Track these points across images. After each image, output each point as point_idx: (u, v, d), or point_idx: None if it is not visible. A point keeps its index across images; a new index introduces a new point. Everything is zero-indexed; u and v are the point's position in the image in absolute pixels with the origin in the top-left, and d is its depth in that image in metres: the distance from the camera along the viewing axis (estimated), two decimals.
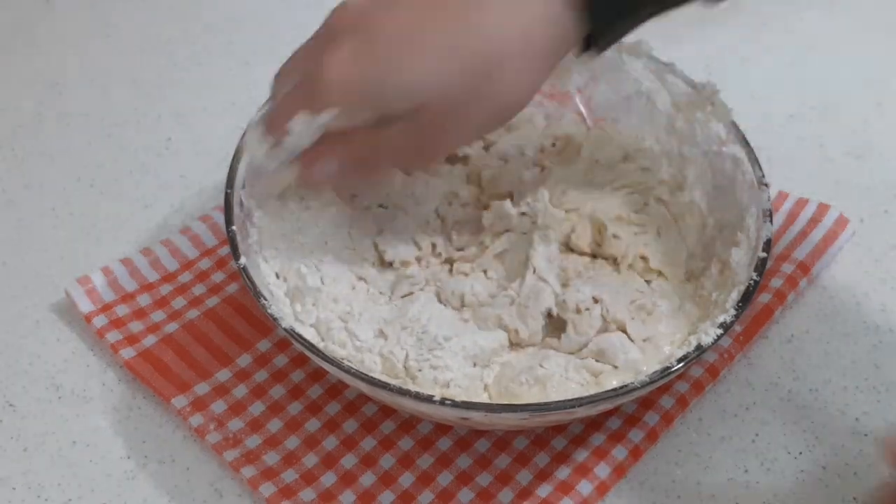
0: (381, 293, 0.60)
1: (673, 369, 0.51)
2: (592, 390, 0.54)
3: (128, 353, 0.61)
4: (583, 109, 0.68)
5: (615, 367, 0.55)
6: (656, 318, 0.58)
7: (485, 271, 0.60)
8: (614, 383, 0.53)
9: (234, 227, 0.56)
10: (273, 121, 0.55)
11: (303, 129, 0.54)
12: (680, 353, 0.52)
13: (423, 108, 0.51)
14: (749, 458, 0.58)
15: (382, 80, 0.51)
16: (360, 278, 0.60)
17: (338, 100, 0.52)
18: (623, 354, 0.55)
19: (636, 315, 0.58)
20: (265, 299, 0.53)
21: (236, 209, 0.57)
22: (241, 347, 0.62)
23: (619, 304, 0.58)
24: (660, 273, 0.61)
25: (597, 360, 0.56)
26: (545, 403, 0.51)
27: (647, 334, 0.57)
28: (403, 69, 0.51)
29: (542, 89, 0.67)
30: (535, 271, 0.58)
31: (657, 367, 0.53)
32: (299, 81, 0.54)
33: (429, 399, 0.49)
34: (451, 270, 0.61)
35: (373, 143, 0.54)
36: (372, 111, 0.52)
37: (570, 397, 0.52)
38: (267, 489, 0.55)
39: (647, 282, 0.60)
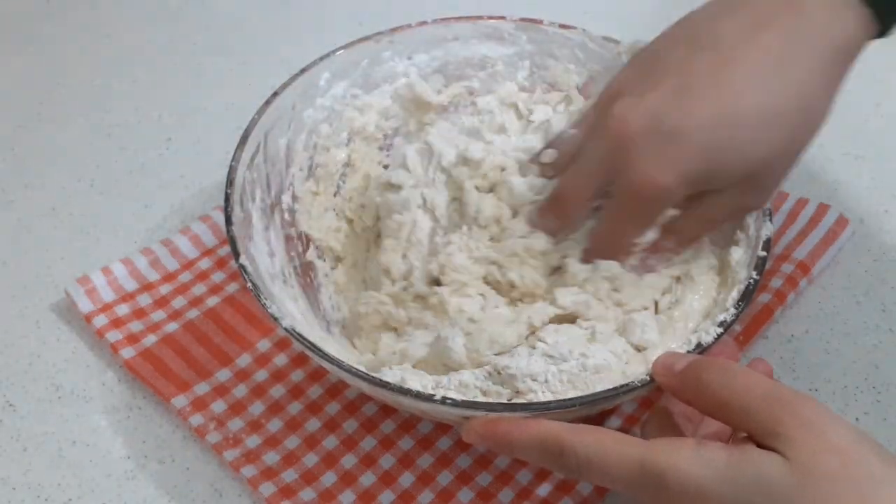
0: None
1: None
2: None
3: (128, 352, 0.61)
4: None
5: (629, 342, 0.55)
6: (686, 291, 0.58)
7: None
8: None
9: (233, 227, 0.56)
10: (610, 248, 0.56)
11: (650, 238, 0.56)
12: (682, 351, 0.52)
13: (751, 175, 0.53)
14: None
15: (710, 169, 0.52)
16: None
17: (674, 200, 0.53)
18: (641, 333, 0.55)
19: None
20: (266, 298, 0.53)
21: (236, 209, 0.57)
22: (241, 347, 0.62)
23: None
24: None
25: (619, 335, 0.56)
26: (545, 402, 0.51)
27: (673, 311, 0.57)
28: (727, 155, 0.52)
29: (543, 89, 0.68)
30: None
31: (673, 346, 0.53)
32: (617, 199, 0.54)
33: (429, 398, 0.49)
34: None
35: (701, 219, 0.56)
36: (701, 189, 0.54)
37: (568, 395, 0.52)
38: (267, 489, 0.55)
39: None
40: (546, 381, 0.52)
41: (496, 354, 0.55)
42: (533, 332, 0.56)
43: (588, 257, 0.57)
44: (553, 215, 0.57)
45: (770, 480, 0.41)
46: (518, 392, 0.52)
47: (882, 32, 0.54)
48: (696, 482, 0.42)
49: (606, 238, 0.56)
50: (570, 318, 0.57)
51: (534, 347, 0.54)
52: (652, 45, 0.57)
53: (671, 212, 0.55)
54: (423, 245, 0.60)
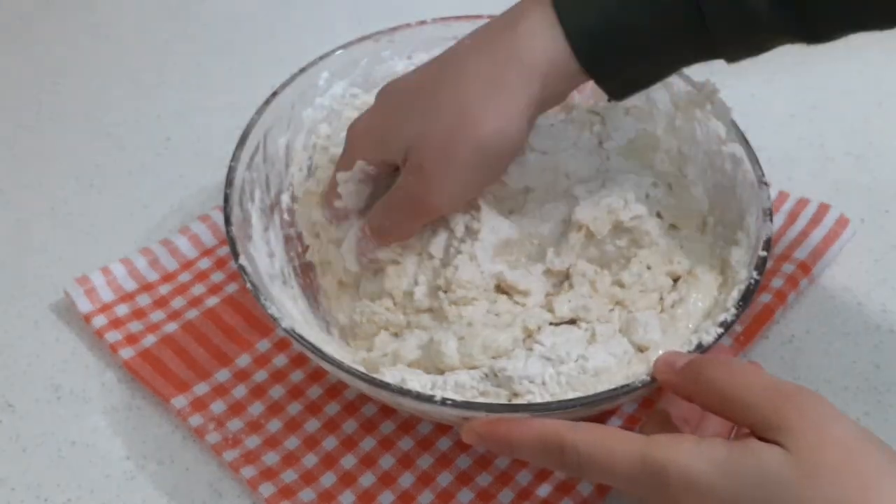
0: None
1: None
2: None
3: (127, 353, 0.61)
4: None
5: (631, 341, 0.55)
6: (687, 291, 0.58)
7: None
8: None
9: (233, 227, 0.56)
10: (326, 193, 0.62)
11: (344, 184, 0.61)
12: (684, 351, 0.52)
13: (409, 152, 0.55)
14: None
15: (385, 126, 0.58)
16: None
17: (360, 150, 0.60)
18: (643, 332, 0.55)
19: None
20: (265, 299, 0.53)
21: (235, 209, 0.57)
22: (241, 348, 0.62)
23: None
24: (672, 226, 0.61)
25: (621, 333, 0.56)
26: (545, 403, 0.51)
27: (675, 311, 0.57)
28: (398, 120, 0.57)
29: None
30: None
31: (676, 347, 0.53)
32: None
33: (429, 399, 0.49)
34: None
35: (382, 208, 0.58)
36: (382, 157, 0.59)
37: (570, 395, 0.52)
38: (266, 489, 0.55)
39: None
40: (543, 382, 0.52)
41: (492, 358, 0.55)
42: (530, 336, 0.56)
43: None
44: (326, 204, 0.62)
45: (772, 473, 0.41)
46: (516, 394, 0.52)
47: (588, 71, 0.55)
48: (698, 476, 0.42)
49: (327, 187, 0.62)
50: (570, 320, 0.57)
51: (531, 350, 0.54)
52: None
53: (361, 165, 0.59)
54: (435, 259, 0.60)
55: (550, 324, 0.57)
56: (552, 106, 0.58)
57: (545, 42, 0.53)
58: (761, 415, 0.43)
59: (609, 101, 0.62)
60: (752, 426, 0.44)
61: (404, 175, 0.56)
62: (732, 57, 0.54)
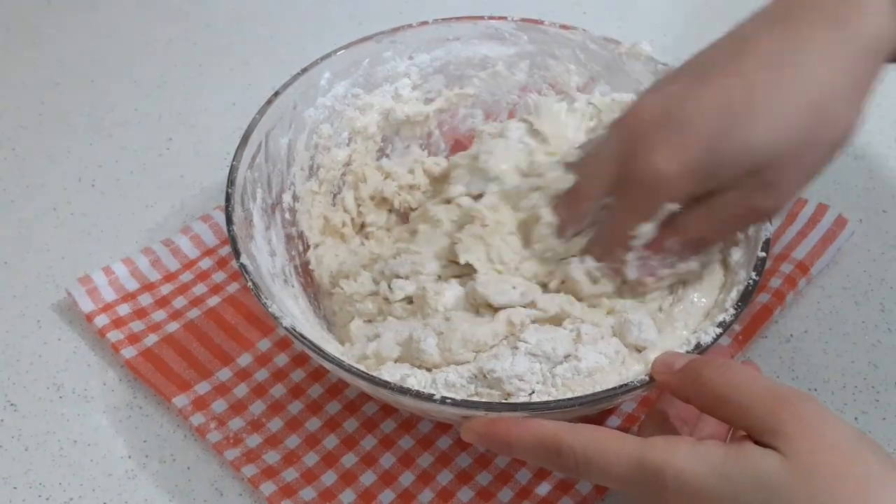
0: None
1: None
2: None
3: (129, 352, 0.61)
4: None
5: (627, 344, 0.56)
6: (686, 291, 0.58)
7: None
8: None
9: (234, 227, 0.56)
10: (608, 242, 0.55)
11: (647, 232, 0.53)
12: (682, 351, 0.52)
13: (758, 170, 0.50)
14: None
15: (714, 160, 0.50)
16: None
17: (676, 192, 0.51)
18: (638, 333, 0.55)
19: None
20: (266, 298, 0.53)
21: (237, 208, 0.57)
22: (242, 347, 0.62)
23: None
24: None
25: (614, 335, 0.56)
26: (545, 402, 0.51)
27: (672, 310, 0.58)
28: (732, 144, 0.50)
29: (542, 89, 0.68)
30: None
31: (671, 347, 0.53)
32: (618, 194, 0.53)
33: (429, 398, 0.49)
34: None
35: (708, 220, 0.53)
36: (701, 190, 0.52)
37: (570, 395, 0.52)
38: (267, 488, 0.55)
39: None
40: (539, 380, 0.53)
41: (474, 353, 0.55)
42: (513, 333, 0.56)
43: (589, 248, 0.56)
44: (564, 209, 0.56)
45: (767, 477, 0.41)
46: (508, 394, 0.53)
47: None
48: (694, 479, 0.42)
49: (606, 234, 0.55)
50: (555, 321, 0.57)
51: (516, 348, 0.54)
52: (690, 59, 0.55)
53: (672, 206, 0.52)
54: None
55: (533, 321, 0.57)
56: None
57: (881, 14, 0.50)
58: (757, 418, 0.43)
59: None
60: (747, 429, 0.44)
61: (744, 192, 0.51)
62: None
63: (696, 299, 0.58)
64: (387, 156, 0.69)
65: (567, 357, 0.54)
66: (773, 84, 0.50)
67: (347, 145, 0.67)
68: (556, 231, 0.56)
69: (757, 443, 0.43)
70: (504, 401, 0.52)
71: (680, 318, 0.57)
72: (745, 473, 0.42)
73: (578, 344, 0.55)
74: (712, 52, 0.53)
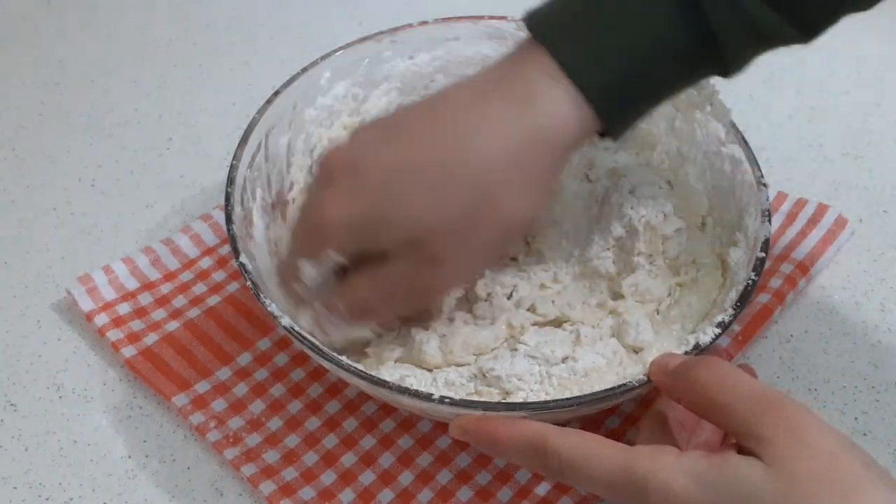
0: None
1: None
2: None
3: (129, 351, 0.61)
4: None
5: (623, 344, 0.56)
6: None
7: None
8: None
9: (234, 226, 0.56)
10: (283, 271, 0.57)
11: (309, 274, 0.53)
12: (680, 352, 0.52)
13: (418, 243, 0.51)
14: None
15: (376, 218, 0.51)
16: None
17: (334, 241, 0.52)
18: (636, 334, 0.56)
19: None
20: (265, 297, 0.53)
21: (237, 208, 0.57)
22: (242, 346, 0.62)
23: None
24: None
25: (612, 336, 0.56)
26: (544, 402, 0.51)
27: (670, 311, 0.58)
28: (394, 206, 0.51)
29: None
30: None
31: (669, 349, 0.53)
32: (304, 228, 0.55)
33: (428, 397, 0.50)
34: None
35: (372, 285, 0.53)
36: (367, 248, 0.52)
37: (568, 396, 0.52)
38: (267, 487, 0.55)
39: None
40: (538, 382, 0.53)
41: (475, 355, 0.55)
42: (513, 336, 0.56)
43: (279, 274, 0.56)
44: (282, 285, 0.56)
45: (749, 486, 0.41)
46: (507, 392, 0.53)
47: (603, 133, 0.53)
48: (676, 489, 0.42)
49: (282, 264, 0.56)
50: (555, 323, 0.57)
51: (515, 350, 0.54)
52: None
53: (335, 257, 0.52)
54: None
55: (533, 324, 0.57)
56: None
57: (564, 111, 0.50)
58: (742, 422, 0.43)
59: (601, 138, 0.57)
60: (733, 433, 0.44)
61: (410, 263, 0.52)
62: (733, 72, 0.53)
63: (693, 302, 0.58)
64: None
65: (565, 359, 0.54)
66: (440, 157, 0.50)
67: None
68: None
69: (742, 448, 0.43)
70: (503, 400, 0.53)
71: (677, 319, 0.57)
72: (727, 483, 0.42)
73: (577, 346, 0.55)
74: (416, 109, 0.54)
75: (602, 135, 0.53)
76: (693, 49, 0.51)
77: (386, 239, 0.51)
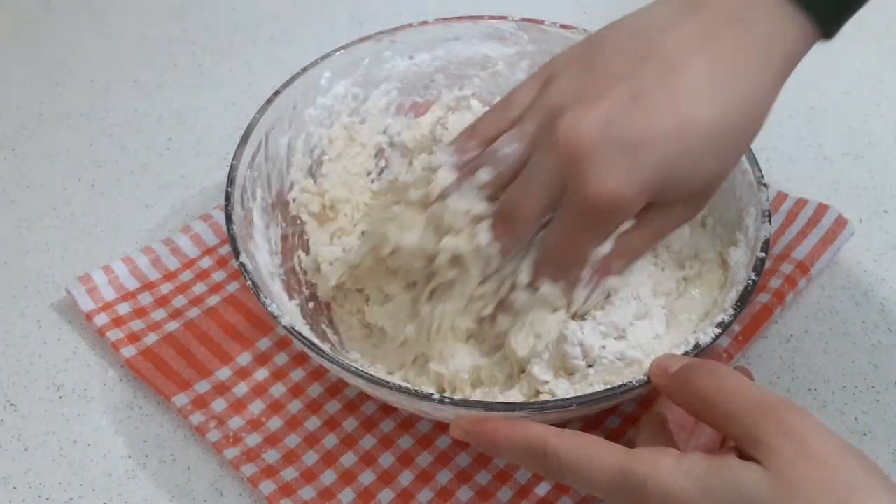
0: None
1: None
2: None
3: (129, 351, 0.61)
4: None
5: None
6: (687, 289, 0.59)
7: None
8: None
9: (234, 226, 0.56)
10: (559, 268, 0.54)
11: (599, 253, 0.53)
12: (680, 352, 0.52)
13: (704, 194, 0.54)
14: None
15: (673, 177, 0.51)
16: None
17: (632, 212, 0.52)
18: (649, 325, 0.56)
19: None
20: (265, 297, 0.53)
21: (237, 208, 0.57)
22: (242, 346, 0.62)
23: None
24: None
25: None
26: (543, 402, 0.51)
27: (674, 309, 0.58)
28: (688, 164, 0.51)
29: None
30: None
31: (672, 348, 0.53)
32: (571, 211, 0.52)
33: (428, 397, 0.50)
34: None
35: (647, 233, 0.54)
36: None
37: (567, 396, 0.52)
38: (267, 487, 0.55)
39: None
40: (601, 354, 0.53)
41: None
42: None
43: (540, 271, 0.53)
44: (503, 234, 0.53)
45: (747, 491, 0.41)
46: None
47: (825, 37, 0.52)
48: (676, 493, 0.42)
49: (561, 252, 0.53)
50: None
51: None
52: (591, 45, 0.54)
53: (626, 225, 0.52)
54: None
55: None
56: None
57: (795, 36, 0.51)
58: (741, 427, 0.43)
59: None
60: (733, 438, 0.44)
61: (681, 207, 0.53)
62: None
63: (697, 296, 0.58)
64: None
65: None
66: (714, 105, 0.50)
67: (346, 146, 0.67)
68: (497, 256, 0.54)
69: (742, 453, 0.43)
70: (502, 401, 0.53)
71: (684, 312, 0.57)
72: (727, 487, 0.41)
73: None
74: (622, 54, 0.51)
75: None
76: None
77: (674, 194, 0.52)
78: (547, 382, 0.54)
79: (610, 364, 0.53)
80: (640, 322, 0.55)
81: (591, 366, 0.53)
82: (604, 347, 0.53)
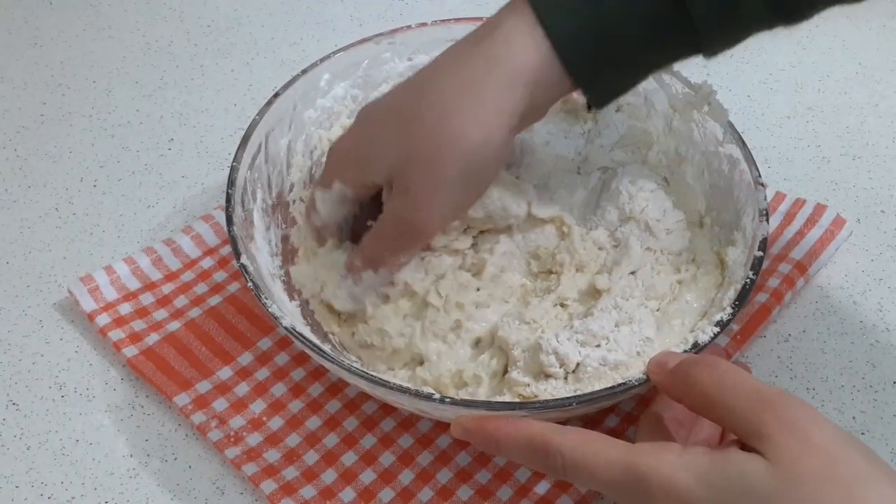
0: None
1: None
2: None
3: (130, 351, 0.61)
4: None
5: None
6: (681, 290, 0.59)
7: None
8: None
9: (234, 227, 0.57)
10: (305, 210, 0.62)
11: (321, 202, 0.59)
12: (678, 351, 0.52)
13: (395, 177, 0.55)
14: None
15: (362, 153, 0.57)
16: None
17: (339, 171, 0.58)
18: (639, 330, 0.56)
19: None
20: (266, 297, 0.53)
21: (237, 209, 0.58)
22: (243, 346, 0.62)
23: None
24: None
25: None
26: (543, 401, 0.51)
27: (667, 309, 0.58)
28: (372, 143, 0.56)
29: None
30: None
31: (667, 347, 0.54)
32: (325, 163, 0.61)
33: (428, 397, 0.50)
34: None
35: (371, 235, 0.58)
36: (363, 181, 0.58)
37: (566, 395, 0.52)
38: (268, 486, 0.55)
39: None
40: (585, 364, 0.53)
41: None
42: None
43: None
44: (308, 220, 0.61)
45: (751, 483, 0.41)
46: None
47: (588, 103, 0.56)
48: (680, 487, 0.42)
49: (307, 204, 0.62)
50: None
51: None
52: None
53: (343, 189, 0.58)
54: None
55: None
56: (535, 120, 0.57)
57: (526, 48, 0.52)
58: (743, 420, 0.43)
59: (589, 110, 0.62)
60: (735, 432, 0.44)
61: (392, 200, 0.56)
62: (713, 52, 0.54)
63: (691, 299, 0.58)
64: None
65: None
66: (411, 101, 0.55)
67: None
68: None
69: (744, 446, 0.43)
70: (501, 400, 0.53)
71: (677, 316, 0.58)
72: (730, 480, 0.42)
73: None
74: (420, 71, 0.57)
75: (588, 107, 0.57)
76: (665, 18, 0.52)
77: (373, 172, 0.56)
78: (528, 385, 0.54)
79: (595, 371, 0.53)
80: (624, 327, 0.55)
81: (568, 374, 0.54)
82: (588, 356, 0.53)
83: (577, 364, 0.54)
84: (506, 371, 0.56)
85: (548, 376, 0.54)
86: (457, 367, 0.57)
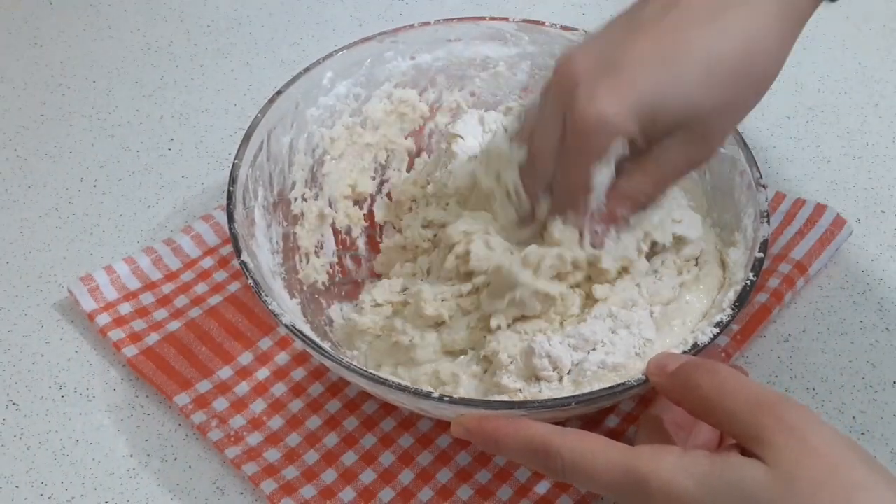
0: None
1: None
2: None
3: (130, 351, 0.61)
4: None
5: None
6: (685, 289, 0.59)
7: None
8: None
9: (236, 224, 0.57)
10: (560, 198, 0.55)
11: (604, 176, 0.53)
12: (678, 352, 0.52)
13: (694, 123, 0.51)
14: None
15: (654, 103, 0.51)
16: None
17: (621, 131, 0.51)
18: (639, 331, 0.56)
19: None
20: (266, 295, 0.53)
21: (238, 207, 0.58)
22: (243, 345, 0.62)
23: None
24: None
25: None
26: (543, 401, 0.51)
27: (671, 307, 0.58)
28: (673, 87, 0.51)
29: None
30: None
31: (668, 347, 0.53)
32: (568, 145, 0.53)
33: (428, 396, 0.50)
34: None
35: (652, 173, 0.54)
36: (649, 134, 0.52)
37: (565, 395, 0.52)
38: (268, 486, 0.55)
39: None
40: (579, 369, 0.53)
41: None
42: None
43: (553, 210, 0.55)
44: (527, 178, 0.56)
45: (751, 488, 0.41)
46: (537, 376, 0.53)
47: None
48: (679, 491, 0.42)
49: (563, 177, 0.54)
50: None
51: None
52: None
53: (619, 148, 0.52)
54: None
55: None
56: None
57: None
58: (743, 426, 0.43)
59: None
60: (735, 436, 0.44)
61: (680, 144, 0.52)
62: None
63: (692, 300, 0.58)
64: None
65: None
66: (704, 35, 0.50)
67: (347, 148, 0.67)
68: (525, 201, 0.57)
69: (744, 450, 0.43)
70: (502, 399, 0.53)
71: (677, 316, 0.57)
72: (729, 485, 0.42)
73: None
74: (643, 5, 0.53)
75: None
76: None
77: (663, 122, 0.51)
78: (519, 391, 0.54)
79: (594, 374, 0.53)
80: (622, 331, 0.55)
81: (562, 377, 0.54)
82: (586, 359, 0.53)
83: (570, 369, 0.54)
84: (485, 371, 0.56)
85: (540, 380, 0.54)
86: (433, 367, 0.57)
